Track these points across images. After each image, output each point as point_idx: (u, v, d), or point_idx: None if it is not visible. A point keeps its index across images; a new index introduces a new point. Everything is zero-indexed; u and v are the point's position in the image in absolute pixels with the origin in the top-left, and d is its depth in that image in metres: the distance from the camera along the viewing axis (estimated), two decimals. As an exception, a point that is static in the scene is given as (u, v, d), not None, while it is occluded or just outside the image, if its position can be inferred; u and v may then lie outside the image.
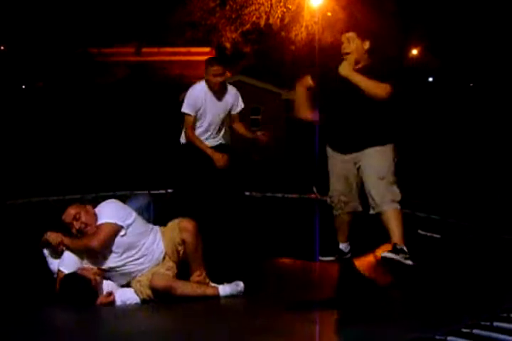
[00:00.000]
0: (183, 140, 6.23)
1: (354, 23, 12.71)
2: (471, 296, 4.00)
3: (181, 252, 4.30)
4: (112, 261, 4.22)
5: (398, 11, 18.16)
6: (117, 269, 4.23)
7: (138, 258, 4.23)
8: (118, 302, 4.16)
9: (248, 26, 20.00)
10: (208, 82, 5.98)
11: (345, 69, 4.77)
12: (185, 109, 6.05)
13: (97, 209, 4.30)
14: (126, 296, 4.21)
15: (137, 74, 20.07)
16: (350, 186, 5.06)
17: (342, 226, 5.29)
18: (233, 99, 6.17)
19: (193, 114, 6.01)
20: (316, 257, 5.34)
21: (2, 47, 21.97)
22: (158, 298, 4.14)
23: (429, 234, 5.87)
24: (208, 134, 6.16)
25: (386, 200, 4.74)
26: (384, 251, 4.59)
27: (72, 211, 4.18)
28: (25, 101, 20.13)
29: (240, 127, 6.41)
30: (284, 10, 18.72)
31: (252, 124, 20.99)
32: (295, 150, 18.14)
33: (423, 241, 5.64)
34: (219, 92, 6.04)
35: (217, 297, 4.21)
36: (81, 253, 4.19)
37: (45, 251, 4.30)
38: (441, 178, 10.13)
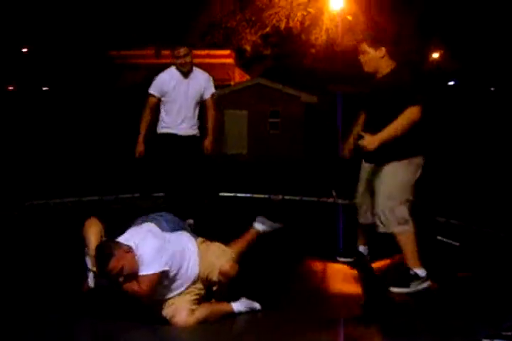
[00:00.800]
0: (158, 130, 6.31)
1: (369, 30, 12.49)
2: (490, 305, 3.96)
3: (211, 285, 4.20)
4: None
5: (419, 14, 18.09)
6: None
7: (177, 282, 4.12)
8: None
9: (268, 29, 20.02)
10: (175, 66, 6.06)
11: (373, 142, 4.52)
12: (150, 89, 6.17)
13: (138, 252, 3.93)
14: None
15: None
16: (367, 193, 5.03)
17: (362, 229, 5.27)
18: (204, 83, 6.18)
19: (156, 95, 6.11)
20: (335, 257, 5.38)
21: (25, 49, 22.13)
22: None
23: (448, 240, 5.83)
24: (179, 119, 6.17)
25: (392, 222, 4.66)
26: (394, 285, 4.54)
27: (116, 264, 3.79)
28: (45, 103, 20.25)
29: (209, 116, 6.33)
30: (304, 13, 18.75)
31: (271, 127, 21.02)
32: (314, 153, 18.08)
33: (442, 247, 5.60)
34: (187, 75, 6.08)
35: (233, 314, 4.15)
36: None
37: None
38: (464, 183, 10.03)
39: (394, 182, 4.69)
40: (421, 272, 4.56)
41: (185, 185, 6.15)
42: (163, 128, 6.21)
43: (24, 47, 22.30)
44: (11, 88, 22.17)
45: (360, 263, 5.22)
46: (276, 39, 21.13)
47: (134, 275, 3.85)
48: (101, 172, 11.23)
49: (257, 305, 4.22)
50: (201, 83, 6.16)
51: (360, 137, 4.55)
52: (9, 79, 21.57)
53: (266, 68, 22.73)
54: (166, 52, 19.72)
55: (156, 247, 3.99)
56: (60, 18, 19.16)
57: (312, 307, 4.28)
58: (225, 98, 19.32)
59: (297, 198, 7.96)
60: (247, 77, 23.37)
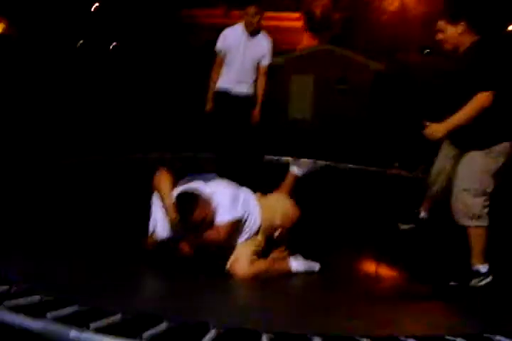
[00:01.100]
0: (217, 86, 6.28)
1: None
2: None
3: (273, 234, 4.30)
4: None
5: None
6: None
7: (245, 230, 4.23)
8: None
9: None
10: (244, 23, 5.99)
11: (438, 131, 4.34)
12: (216, 46, 6.13)
13: (215, 200, 4.03)
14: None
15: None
16: (441, 172, 4.89)
17: (427, 199, 5.14)
18: (264, 49, 6.08)
19: (221, 50, 6.06)
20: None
21: (96, 5, 22.32)
22: None
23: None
24: (236, 78, 6.13)
25: (465, 215, 4.49)
26: (454, 281, 4.44)
27: (200, 213, 3.90)
28: (115, 59, 20.49)
29: (259, 85, 6.20)
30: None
31: (339, 93, 20.78)
32: (378, 122, 17.85)
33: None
34: (251, 36, 6.00)
35: (290, 273, 4.22)
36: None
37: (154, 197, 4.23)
38: None
39: (469, 173, 4.47)
40: (483, 268, 4.44)
41: (232, 144, 6.17)
42: (221, 84, 6.20)
43: (95, 4, 22.50)
44: (80, 43, 22.43)
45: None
46: (347, 3, 20.77)
47: (212, 223, 3.95)
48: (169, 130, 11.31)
49: (315, 266, 4.26)
50: (261, 49, 6.06)
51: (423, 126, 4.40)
52: (79, 35, 21.82)
53: (334, 34, 22.42)
54: (236, 12, 19.63)
55: (231, 195, 4.13)
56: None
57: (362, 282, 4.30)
58: (291, 62, 19.20)
59: (360, 167, 7.87)
60: (316, 41, 23.09)
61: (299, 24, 22.27)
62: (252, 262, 4.06)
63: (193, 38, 20.65)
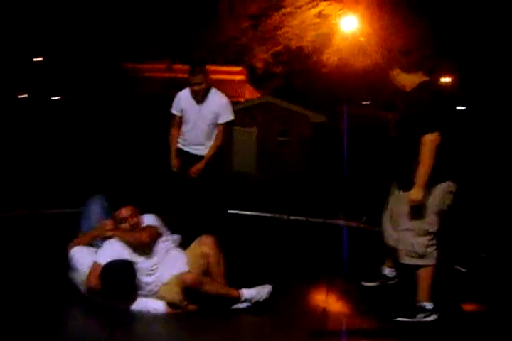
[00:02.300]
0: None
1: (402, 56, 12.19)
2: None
3: (204, 265, 4.48)
4: (146, 263, 4.41)
5: (430, 36, 18.08)
6: (148, 272, 4.33)
7: (166, 266, 4.39)
8: (142, 308, 4.25)
9: (280, 48, 20.06)
10: (190, 92, 6.07)
11: (417, 194, 4.41)
12: (172, 108, 6.28)
13: (141, 216, 4.70)
14: (149, 304, 4.35)
15: (167, 90, 20.17)
16: (390, 217, 4.92)
17: (388, 252, 5.15)
18: (219, 109, 6.12)
19: (176, 113, 6.15)
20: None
21: (41, 58, 22.20)
22: (186, 297, 4.29)
23: (456, 267, 5.77)
24: (192, 139, 6.19)
25: (407, 254, 4.55)
26: (400, 316, 4.48)
27: (130, 209, 4.61)
28: (57, 112, 20.33)
29: (212, 144, 6.22)
30: (316, 33, 18.73)
31: (280, 146, 20.98)
32: (322, 172, 18.03)
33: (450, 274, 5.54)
34: (201, 100, 6.06)
35: (242, 300, 4.33)
36: (126, 249, 4.41)
37: (76, 249, 4.43)
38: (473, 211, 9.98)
39: (411, 212, 4.54)
40: (428, 305, 4.48)
41: (193, 203, 6.16)
42: (179, 144, 6.24)
43: (38, 57, 22.37)
44: (22, 96, 22.19)
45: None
46: (288, 57, 21.16)
47: (139, 225, 4.59)
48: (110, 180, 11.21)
49: (267, 288, 4.54)
50: (215, 108, 6.10)
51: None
52: (21, 87, 21.60)
53: (276, 86, 22.76)
54: (178, 66, 19.72)
55: (156, 217, 4.76)
56: (78, 29, 19.24)
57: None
58: (234, 115, 19.36)
59: (304, 219, 7.92)
60: (258, 94, 23.40)
61: (241, 77, 22.59)
62: (200, 273, 4.26)
63: (137, 91, 20.69)
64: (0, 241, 5.74)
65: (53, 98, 21.73)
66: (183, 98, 6.18)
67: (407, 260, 4.55)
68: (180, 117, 6.21)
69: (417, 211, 4.49)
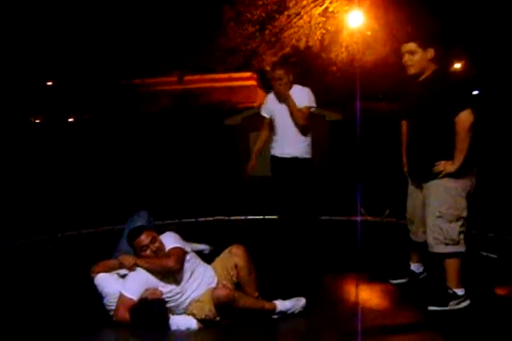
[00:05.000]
0: None
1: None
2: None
3: (234, 277, 4.39)
4: (176, 286, 4.31)
5: (439, 27, 17.96)
6: (178, 294, 4.28)
7: (194, 284, 4.32)
8: (173, 327, 4.19)
9: (288, 49, 20.02)
10: (273, 90, 6.03)
11: (452, 167, 4.39)
12: (261, 111, 6.28)
13: (160, 238, 4.50)
14: (181, 322, 4.24)
15: (180, 103, 20.27)
16: (415, 210, 4.87)
17: (414, 247, 5.10)
18: (298, 99, 6.03)
19: (265, 115, 6.07)
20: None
21: (50, 83, 22.44)
22: (219, 313, 4.22)
23: (485, 253, 5.70)
24: (281, 140, 6.10)
25: (441, 242, 4.48)
26: (432, 304, 4.43)
27: (149, 235, 4.38)
28: (74, 133, 20.44)
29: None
30: (324, 31, 18.68)
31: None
32: (340, 171, 17.95)
33: (480, 260, 5.48)
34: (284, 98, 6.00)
35: (276, 312, 4.28)
36: (152, 275, 4.29)
37: (100, 277, 4.37)
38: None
39: (442, 199, 4.45)
40: (460, 291, 4.43)
41: (286, 208, 6.08)
42: (271, 149, 6.17)
43: (49, 81, 22.58)
44: (37, 121, 22.42)
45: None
46: (297, 59, 21.12)
47: (162, 250, 4.35)
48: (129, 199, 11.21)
49: (302, 301, 4.33)
50: (296, 100, 6.02)
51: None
52: (35, 111, 21.83)
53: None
54: (188, 78, 19.81)
55: (176, 235, 4.60)
56: (84, 51, 19.39)
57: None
58: (248, 120, 19.35)
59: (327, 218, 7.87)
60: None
61: (252, 82, 22.60)
62: (233, 288, 4.21)
63: (148, 106, 20.77)
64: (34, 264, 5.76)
65: (68, 120, 21.89)
66: (271, 98, 6.12)
67: (440, 248, 4.48)
68: (270, 119, 6.12)
69: (445, 197, 4.44)
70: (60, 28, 18.84)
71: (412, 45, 4.57)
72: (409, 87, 4.74)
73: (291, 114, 5.98)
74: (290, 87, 6.04)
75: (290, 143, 6.13)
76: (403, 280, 5.17)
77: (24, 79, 20.12)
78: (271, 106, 6.15)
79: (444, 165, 4.38)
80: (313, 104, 6.08)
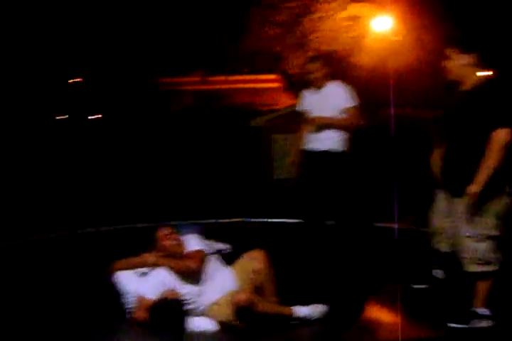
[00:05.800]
0: None
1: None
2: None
3: (254, 281, 4.34)
4: (195, 287, 4.31)
5: (463, 32, 17.78)
6: (196, 296, 4.26)
7: (213, 286, 4.29)
8: (191, 328, 4.16)
9: (313, 53, 19.96)
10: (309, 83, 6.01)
11: (476, 187, 4.23)
12: (296, 108, 6.36)
13: (183, 239, 4.54)
14: (199, 324, 4.20)
15: (204, 103, 20.28)
16: (440, 221, 4.76)
17: (438, 255, 4.98)
18: (336, 97, 5.98)
19: (302, 111, 6.02)
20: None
21: (80, 79, 22.57)
22: (238, 317, 4.13)
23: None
24: (316, 135, 6.06)
25: (471, 261, 4.37)
26: (452, 321, 4.32)
27: (168, 228, 4.48)
28: (97, 131, 20.55)
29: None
30: (349, 35, 18.61)
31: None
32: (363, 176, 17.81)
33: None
34: (319, 90, 5.95)
35: (294, 318, 4.24)
36: (173, 275, 4.29)
37: (121, 274, 4.36)
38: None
39: (469, 218, 4.36)
40: (484, 311, 4.31)
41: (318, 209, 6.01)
42: (305, 144, 6.12)
43: (75, 78, 22.69)
44: (60, 117, 22.52)
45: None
46: (323, 62, 21.03)
47: (180, 246, 4.39)
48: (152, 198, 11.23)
49: (320, 307, 4.28)
50: (333, 98, 5.95)
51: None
52: (61, 109, 21.92)
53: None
54: (214, 79, 19.83)
55: (199, 237, 4.58)
56: (111, 50, 19.48)
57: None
58: (272, 122, 19.29)
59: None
60: (295, 100, 23.25)
61: (277, 84, 22.53)
62: (253, 292, 4.16)
63: (172, 105, 20.79)
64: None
65: (90, 117, 21.95)
66: (306, 94, 6.12)
67: (471, 268, 4.36)
68: (307, 115, 6.08)
69: (475, 215, 4.31)
70: (87, 27, 18.94)
71: (451, 51, 4.44)
72: (450, 95, 4.60)
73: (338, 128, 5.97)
74: (325, 82, 6.00)
75: (327, 137, 6.08)
76: (425, 286, 5.08)
77: (51, 77, 20.22)
78: (307, 102, 6.14)
79: (469, 190, 4.27)
80: (354, 103, 6.04)
